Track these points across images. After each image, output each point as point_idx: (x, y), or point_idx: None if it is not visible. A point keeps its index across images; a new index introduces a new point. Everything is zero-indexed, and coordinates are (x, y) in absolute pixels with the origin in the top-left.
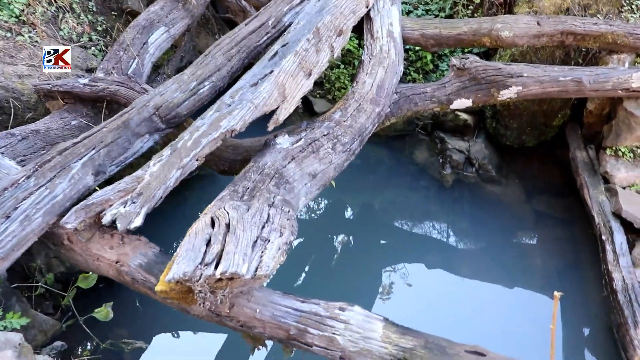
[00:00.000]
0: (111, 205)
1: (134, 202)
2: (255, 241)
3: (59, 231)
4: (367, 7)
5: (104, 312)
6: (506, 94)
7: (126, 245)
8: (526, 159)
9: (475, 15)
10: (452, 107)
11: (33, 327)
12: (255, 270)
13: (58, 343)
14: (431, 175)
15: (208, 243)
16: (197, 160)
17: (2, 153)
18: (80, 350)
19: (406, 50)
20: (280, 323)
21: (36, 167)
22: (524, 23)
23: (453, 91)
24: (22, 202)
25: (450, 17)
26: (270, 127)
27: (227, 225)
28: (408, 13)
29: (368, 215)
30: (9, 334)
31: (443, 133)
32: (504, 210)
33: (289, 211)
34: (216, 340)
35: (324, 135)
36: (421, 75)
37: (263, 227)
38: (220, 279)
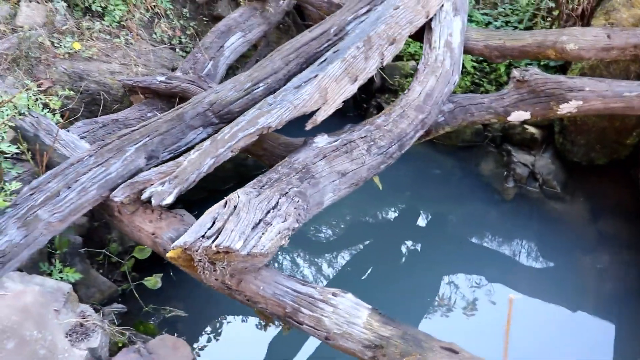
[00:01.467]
0: (152, 184)
1: (169, 183)
2: (258, 223)
3: (111, 204)
4: (427, 17)
5: (152, 281)
6: (566, 108)
7: (163, 220)
8: (596, 177)
9: (553, 27)
10: (509, 119)
11: (93, 286)
12: (252, 248)
13: (119, 305)
14: (494, 188)
15: (215, 221)
16: (231, 151)
17: (84, 137)
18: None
19: (480, 62)
20: (279, 301)
21: (98, 148)
22: (592, 35)
23: (511, 103)
24: (81, 176)
25: (529, 28)
26: (309, 126)
27: (235, 207)
28: (487, 24)
29: (425, 223)
30: (61, 283)
31: (510, 146)
32: (566, 228)
33: (298, 201)
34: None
35: (361, 138)
36: (494, 87)
37: (268, 212)
38: (217, 252)
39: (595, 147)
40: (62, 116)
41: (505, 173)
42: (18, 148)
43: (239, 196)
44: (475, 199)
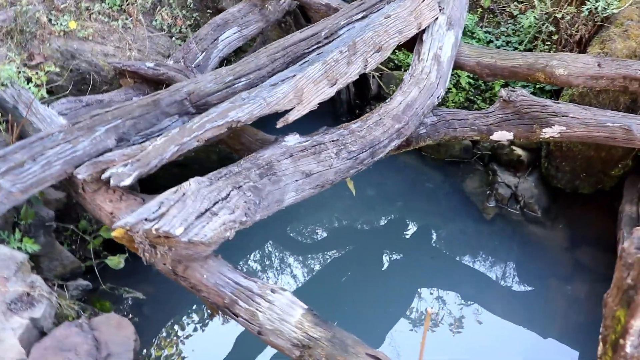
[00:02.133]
0: (114, 165)
1: (131, 166)
2: (203, 213)
3: (76, 181)
4: (419, 28)
5: (115, 260)
6: (549, 133)
7: (123, 201)
8: (580, 206)
9: (551, 51)
10: (492, 137)
11: (56, 260)
12: (194, 237)
13: (84, 282)
14: (475, 206)
15: (161, 206)
16: (197, 141)
17: (65, 114)
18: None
19: (476, 79)
20: (219, 291)
21: (69, 125)
22: (582, 63)
23: (495, 122)
24: (48, 150)
25: (528, 51)
26: (279, 125)
27: (183, 194)
28: (488, 42)
29: (407, 234)
30: (15, 252)
31: (497, 166)
32: (543, 254)
33: (250, 195)
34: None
35: (333, 141)
36: (488, 105)
37: (216, 202)
38: (158, 236)
39: (580, 175)
40: (49, 92)
41: (488, 192)
42: None
43: (190, 184)
44: (456, 214)
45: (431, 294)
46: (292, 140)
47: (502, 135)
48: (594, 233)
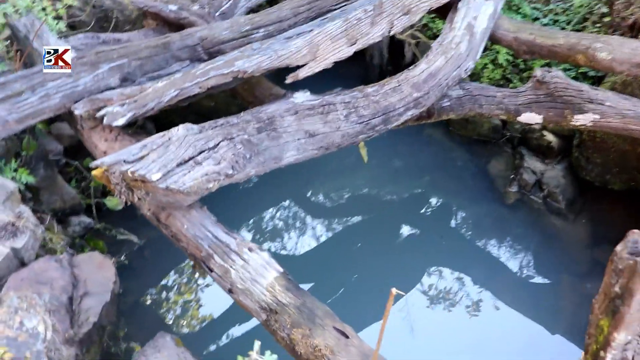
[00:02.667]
0: (112, 104)
1: (127, 106)
2: (187, 160)
3: (76, 116)
4: None
5: (114, 201)
6: (580, 120)
7: (118, 142)
8: (607, 202)
9: (600, 34)
10: (519, 119)
11: (56, 194)
12: (172, 184)
13: (87, 219)
14: (497, 189)
15: (143, 149)
16: (199, 87)
17: (81, 49)
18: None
19: (516, 57)
20: (197, 243)
21: (74, 59)
22: (629, 48)
23: (524, 103)
24: (48, 82)
25: (577, 32)
26: (289, 80)
27: (169, 139)
28: (535, 20)
29: (425, 209)
30: (7, 181)
31: (526, 150)
32: (559, 247)
33: (240, 148)
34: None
35: (344, 103)
36: None
37: (202, 152)
38: (136, 180)
39: (612, 169)
40: (71, 27)
41: (512, 176)
42: (7, 46)
43: (178, 130)
44: (476, 195)
45: (439, 273)
46: (301, 97)
47: (531, 118)
48: (617, 233)
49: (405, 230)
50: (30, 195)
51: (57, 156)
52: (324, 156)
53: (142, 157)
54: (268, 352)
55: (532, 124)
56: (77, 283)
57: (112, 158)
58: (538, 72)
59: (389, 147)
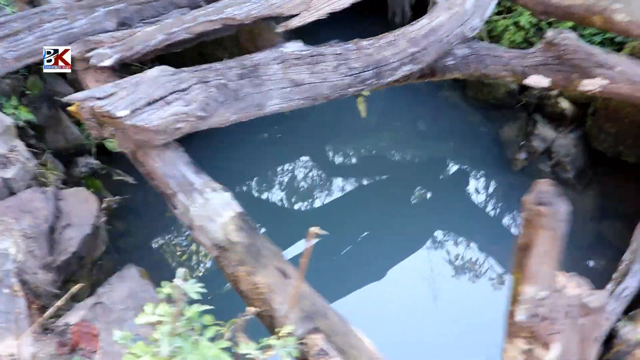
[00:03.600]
0: (102, 46)
1: (115, 48)
2: (157, 100)
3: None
4: None
5: (114, 143)
6: (588, 85)
7: (107, 83)
8: (619, 175)
9: None
10: (526, 81)
11: (59, 133)
12: (138, 121)
13: (94, 161)
14: (505, 155)
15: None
16: (187, 33)
17: None
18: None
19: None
20: (166, 181)
21: (72, 2)
22: None
23: (532, 64)
24: (45, 23)
25: None
26: (279, 29)
27: (140, 79)
28: None
29: (432, 170)
30: (4, 117)
31: (540, 117)
32: None
33: (213, 92)
34: None
35: (335, 54)
36: None
37: (173, 92)
38: (104, 116)
39: (626, 140)
40: None
41: (522, 142)
42: None
43: (152, 71)
44: (484, 159)
45: (442, 235)
46: (292, 47)
47: (537, 81)
48: (627, 207)
49: (413, 191)
50: (34, 133)
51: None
52: (345, 116)
53: (112, 94)
54: (192, 280)
55: (538, 87)
56: (60, 215)
57: (84, 94)
58: (549, 32)
59: (405, 107)
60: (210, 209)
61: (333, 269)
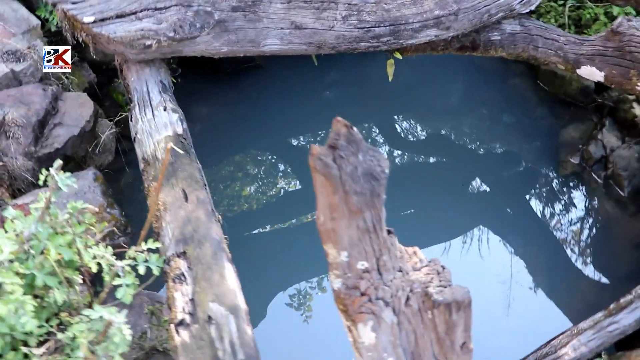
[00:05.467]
0: None
1: None
2: (128, 14)
3: None
4: None
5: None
6: None
7: None
8: None
9: None
10: (578, 72)
11: None
12: (103, 30)
13: None
14: (557, 155)
15: None
16: None
17: None
18: None
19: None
20: (132, 94)
21: None
22: None
23: (587, 53)
24: None
25: None
26: None
27: None
28: None
29: (465, 158)
30: (33, 17)
31: (610, 122)
32: (604, 239)
33: (191, 16)
34: None
35: (348, 4)
36: None
37: (146, 10)
38: (75, 20)
39: None
40: None
41: (580, 145)
42: None
43: None
44: (533, 156)
45: (465, 227)
46: None
47: (591, 73)
48: None
49: (452, 175)
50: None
51: None
52: (428, 91)
53: (84, 0)
54: (67, 174)
55: (591, 81)
56: (56, 113)
57: None
58: (620, 19)
59: (473, 89)
60: (154, 125)
61: None
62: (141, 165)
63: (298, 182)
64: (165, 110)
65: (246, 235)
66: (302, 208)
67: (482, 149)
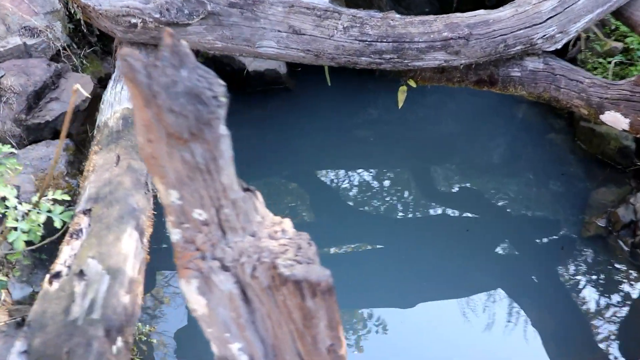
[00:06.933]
0: None
1: None
2: None
3: None
4: None
5: None
6: None
7: None
8: None
9: None
10: (602, 117)
11: None
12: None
13: None
14: (581, 216)
15: None
16: None
17: None
18: None
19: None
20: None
21: None
22: None
23: (612, 97)
24: None
25: None
26: None
27: None
28: None
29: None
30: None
31: None
32: (623, 319)
33: (180, 2)
34: None
35: (352, 16)
36: None
37: None
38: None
39: None
40: None
41: (610, 208)
42: None
43: None
44: (556, 215)
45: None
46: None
47: (615, 120)
48: None
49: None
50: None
51: None
52: (468, 143)
53: None
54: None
55: (616, 130)
56: (55, 88)
57: None
58: None
59: (510, 142)
60: (119, 97)
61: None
62: (95, 132)
63: (315, 217)
64: None
65: None
66: (316, 241)
67: (509, 208)
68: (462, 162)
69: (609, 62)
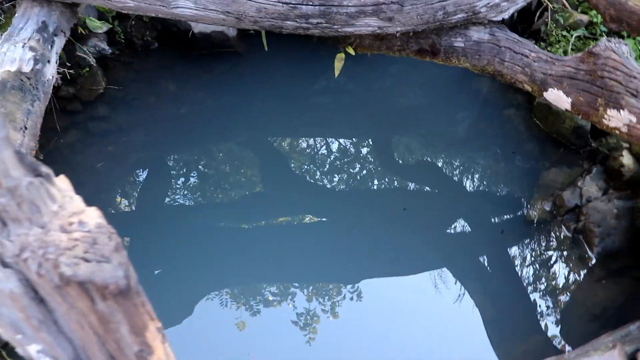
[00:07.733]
0: None
1: None
2: None
3: None
4: None
5: (97, 23)
6: (613, 118)
7: None
8: None
9: None
10: (545, 94)
11: None
12: None
13: (105, 46)
14: (527, 199)
15: None
16: None
17: None
18: None
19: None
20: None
21: None
22: None
23: (557, 74)
24: None
25: None
26: None
27: None
28: None
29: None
30: None
31: (600, 169)
32: (560, 305)
33: None
34: None
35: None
36: None
37: None
38: None
39: None
40: None
41: (558, 192)
42: None
43: None
44: (502, 195)
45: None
46: None
47: (558, 97)
48: None
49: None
50: None
51: None
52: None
53: None
54: None
55: (559, 108)
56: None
57: None
58: (603, 41)
59: (467, 117)
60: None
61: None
62: None
63: (264, 186)
64: (23, 47)
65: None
66: (262, 211)
67: (459, 186)
68: (423, 136)
69: (573, 36)
